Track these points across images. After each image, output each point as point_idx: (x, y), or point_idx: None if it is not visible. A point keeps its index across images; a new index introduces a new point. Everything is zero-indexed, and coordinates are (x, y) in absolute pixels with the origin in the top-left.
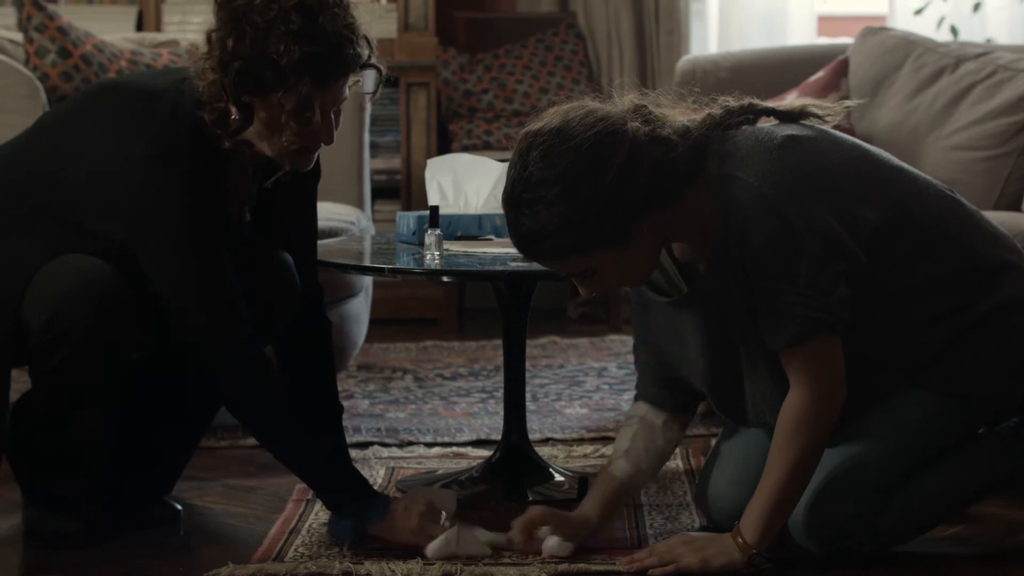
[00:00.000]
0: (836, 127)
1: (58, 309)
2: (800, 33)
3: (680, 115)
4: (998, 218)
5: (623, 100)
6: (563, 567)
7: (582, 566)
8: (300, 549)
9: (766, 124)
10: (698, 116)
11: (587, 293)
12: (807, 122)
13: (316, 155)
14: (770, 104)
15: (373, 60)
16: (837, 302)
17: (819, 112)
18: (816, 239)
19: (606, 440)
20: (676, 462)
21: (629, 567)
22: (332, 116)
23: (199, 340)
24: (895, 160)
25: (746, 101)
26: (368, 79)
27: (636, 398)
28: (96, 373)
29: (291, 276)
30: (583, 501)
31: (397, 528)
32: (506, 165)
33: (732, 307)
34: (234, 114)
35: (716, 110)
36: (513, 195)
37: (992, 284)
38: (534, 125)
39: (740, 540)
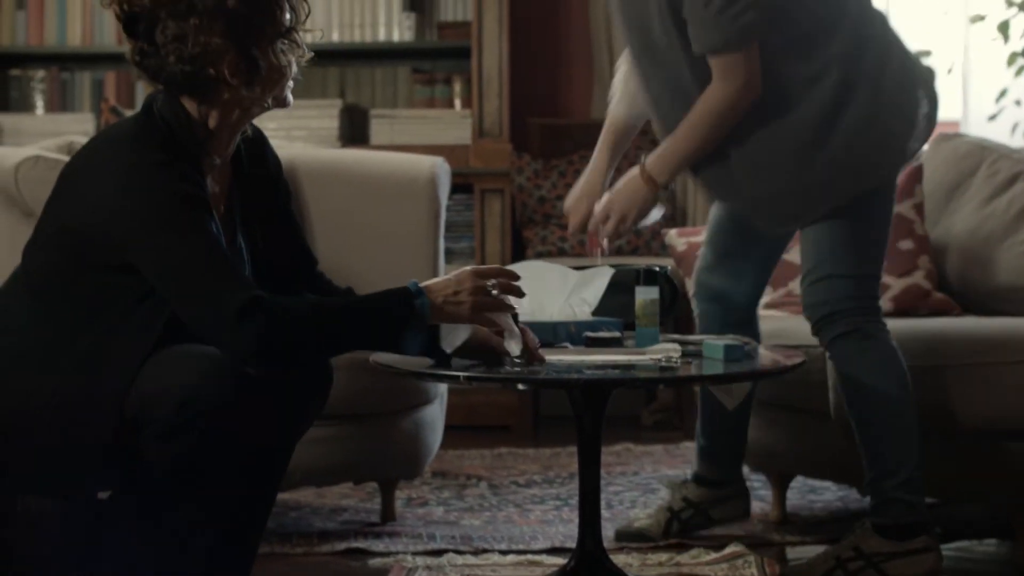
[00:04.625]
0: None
1: (190, 394)
2: None
3: None
4: None
5: None
6: None
7: None
8: None
9: None
10: None
11: None
12: None
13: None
14: None
15: None
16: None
17: None
18: None
19: (681, 547)
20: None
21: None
22: None
23: (215, 317)
24: None
25: None
26: None
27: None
28: (224, 457)
29: None
30: (594, 156)
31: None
32: (581, 272)
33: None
34: (235, 71)
35: None
36: None
37: (882, 63)
38: None
39: (647, 177)
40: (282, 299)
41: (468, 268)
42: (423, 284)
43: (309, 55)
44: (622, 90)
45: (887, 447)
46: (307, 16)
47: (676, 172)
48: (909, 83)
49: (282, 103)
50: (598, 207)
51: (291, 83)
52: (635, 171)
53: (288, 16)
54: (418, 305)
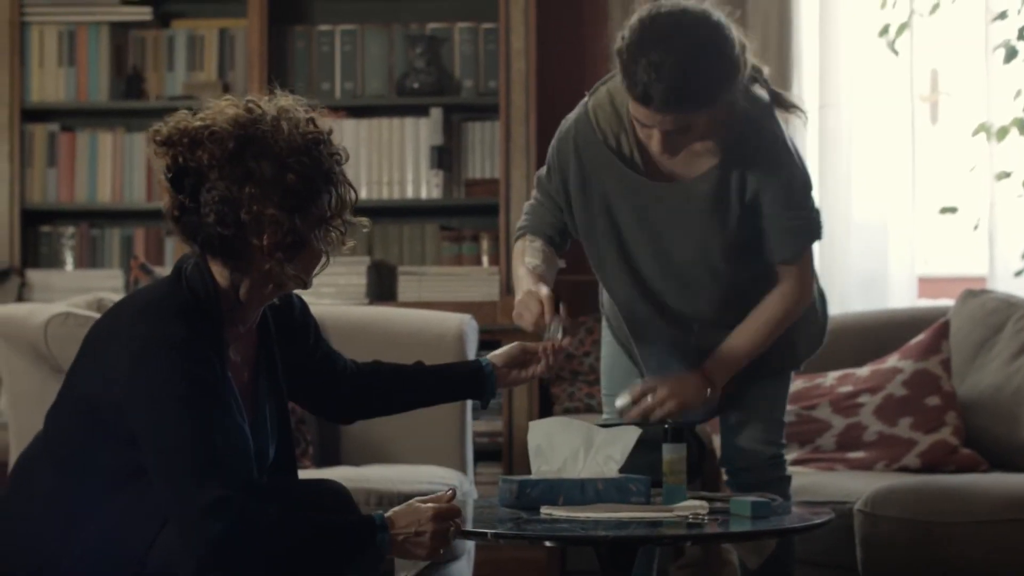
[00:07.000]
0: None
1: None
2: (901, 295)
3: None
4: None
5: None
6: None
7: None
8: None
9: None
10: None
11: (668, 149)
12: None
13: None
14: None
15: None
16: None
17: (801, 110)
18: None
19: None
20: None
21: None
22: None
23: (180, 509)
24: None
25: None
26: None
27: (531, 233)
28: None
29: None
30: (537, 288)
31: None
32: (608, 430)
33: (708, 210)
34: (279, 244)
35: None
36: (689, 51)
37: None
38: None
39: (706, 379)
40: (250, 509)
41: (431, 506)
42: (388, 514)
43: (351, 243)
44: (541, 257)
45: None
46: (353, 204)
47: (732, 374)
48: None
49: (304, 285)
50: (652, 396)
51: (319, 268)
52: (693, 374)
53: (335, 203)
54: (378, 540)
